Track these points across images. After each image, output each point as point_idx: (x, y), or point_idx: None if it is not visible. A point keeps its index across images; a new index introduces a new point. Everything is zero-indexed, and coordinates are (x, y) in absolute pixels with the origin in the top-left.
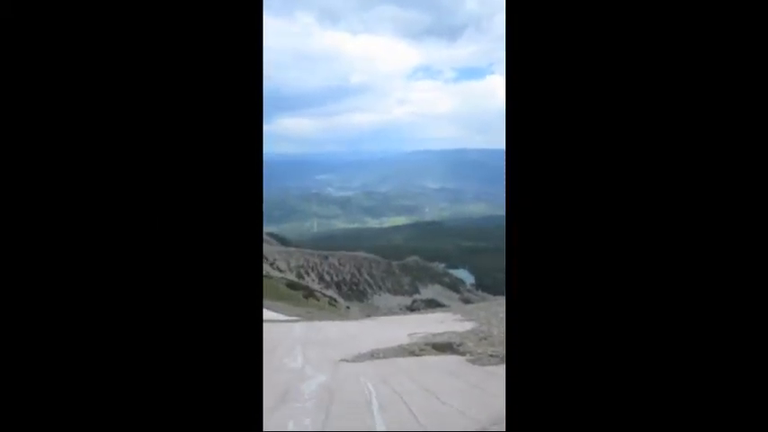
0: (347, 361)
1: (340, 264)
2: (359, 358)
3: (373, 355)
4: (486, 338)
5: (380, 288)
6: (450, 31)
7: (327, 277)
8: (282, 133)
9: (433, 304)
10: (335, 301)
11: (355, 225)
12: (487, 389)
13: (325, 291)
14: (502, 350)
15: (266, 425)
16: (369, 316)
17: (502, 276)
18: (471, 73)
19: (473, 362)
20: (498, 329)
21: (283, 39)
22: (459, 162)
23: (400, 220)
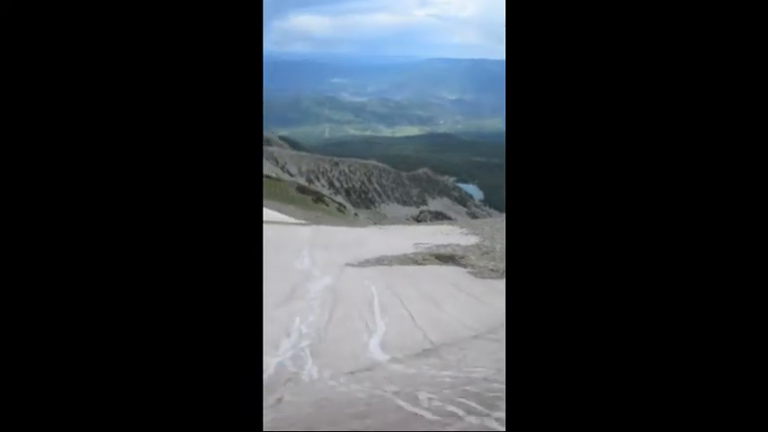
0: (353, 265)
1: (350, 171)
2: (364, 263)
3: (378, 261)
4: (488, 253)
5: (389, 197)
6: None
7: (337, 183)
8: (295, 31)
9: (440, 217)
10: (344, 207)
11: (368, 132)
12: (485, 300)
13: (334, 197)
14: (502, 265)
15: (273, 321)
16: (376, 224)
17: None
18: None
19: (474, 274)
20: (501, 245)
21: None
22: (479, 73)
23: (414, 131)
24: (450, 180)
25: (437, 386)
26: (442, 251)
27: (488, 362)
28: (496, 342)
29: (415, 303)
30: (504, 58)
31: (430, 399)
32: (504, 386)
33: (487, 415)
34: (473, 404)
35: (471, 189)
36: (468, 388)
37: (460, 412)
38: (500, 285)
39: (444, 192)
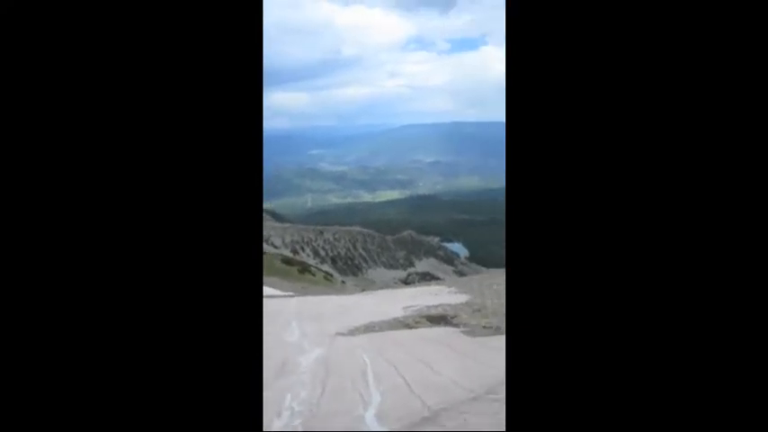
0: (343, 334)
1: (335, 238)
2: (354, 331)
3: (369, 328)
4: (479, 310)
5: (375, 262)
6: (442, 2)
7: (323, 252)
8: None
9: (427, 277)
10: (331, 275)
11: (349, 200)
12: (481, 359)
13: (320, 266)
14: (495, 321)
15: (263, 398)
16: (364, 290)
17: (496, 249)
18: (465, 44)
19: (467, 333)
20: (491, 301)
21: (273, 11)
22: (453, 135)
23: (394, 195)
24: (435, 240)
25: None
26: (433, 312)
27: (489, 424)
28: (496, 402)
29: (410, 369)
30: (477, 119)
31: None
32: None
33: None
34: None
35: (456, 247)
36: None
37: None
38: (494, 342)
39: (430, 252)
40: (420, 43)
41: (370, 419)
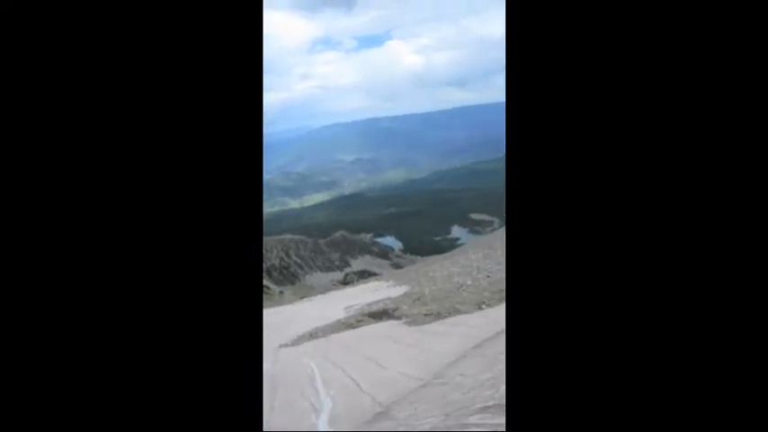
0: (287, 345)
1: (267, 249)
2: (298, 341)
3: (312, 335)
4: (419, 299)
5: (311, 267)
6: (345, 0)
7: None
8: None
9: (365, 275)
10: (268, 288)
11: (276, 208)
12: (425, 347)
13: None
14: (435, 308)
15: None
16: (304, 297)
17: (428, 238)
18: (371, 41)
19: (409, 324)
20: (429, 288)
21: None
22: (371, 131)
23: (321, 197)
24: (368, 237)
25: None
26: (374, 308)
27: (439, 409)
28: (444, 385)
29: (358, 369)
30: (394, 113)
31: None
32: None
33: None
34: None
35: (390, 241)
36: None
37: None
38: (437, 328)
39: (364, 250)
40: (327, 43)
41: (323, 426)
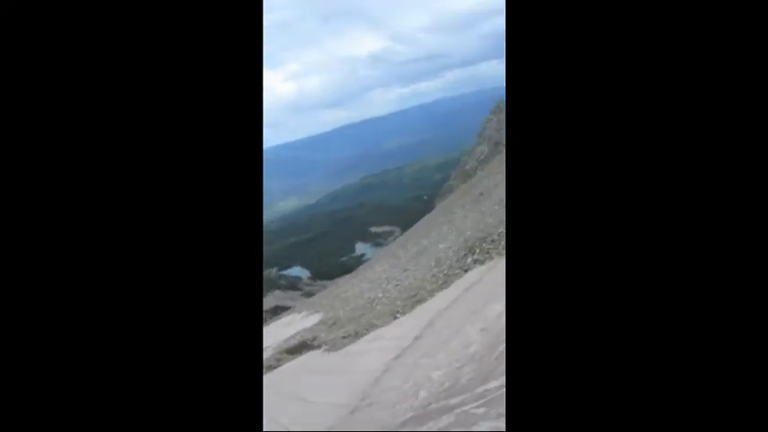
0: None
1: None
2: None
3: None
4: (334, 323)
5: None
6: None
7: None
8: None
9: (278, 311)
10: None
11: None
12: (348, 370)
13: None
14: (352, 329)
15: None
16: None
17: (334, 260)
18: None
19: (329, 350)
20: (343, 310)
21: None
22: None
23: None
24: (273, 271)
25: None
26: (291, 343)
27: (374, 428)
28: (371, 406)
29: (284, 410)
30: (275, 143)
31: None
32: None
33: None
34: None
35: (296, 271)
36: None
37: None
38: (356, 348)
39: (272, 285)
40: None
41: None
